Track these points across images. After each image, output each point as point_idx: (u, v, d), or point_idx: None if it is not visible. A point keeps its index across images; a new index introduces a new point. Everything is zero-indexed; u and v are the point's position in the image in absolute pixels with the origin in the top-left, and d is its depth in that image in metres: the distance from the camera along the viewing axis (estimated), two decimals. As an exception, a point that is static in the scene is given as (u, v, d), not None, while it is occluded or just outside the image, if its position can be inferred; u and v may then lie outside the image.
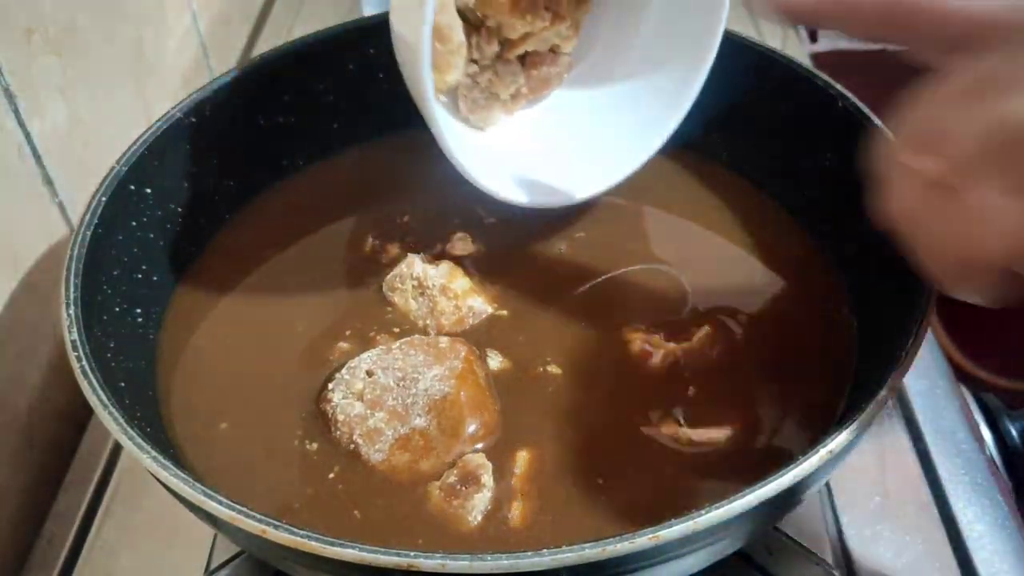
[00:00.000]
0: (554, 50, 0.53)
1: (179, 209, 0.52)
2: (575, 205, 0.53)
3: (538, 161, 0.53)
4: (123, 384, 0.42)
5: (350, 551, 0.31)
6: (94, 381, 0.38)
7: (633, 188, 0.55)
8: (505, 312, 0.49)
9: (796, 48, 0.89)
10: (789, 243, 0.52)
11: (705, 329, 0.47)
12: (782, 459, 0.34)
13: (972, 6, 0.32)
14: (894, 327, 0.40)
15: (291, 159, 0.59)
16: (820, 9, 0.37)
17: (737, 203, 0.55)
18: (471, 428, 0.42)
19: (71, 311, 0.41)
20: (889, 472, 0.49)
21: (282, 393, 0.45)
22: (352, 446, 0.42)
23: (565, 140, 0.54)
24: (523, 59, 0.52)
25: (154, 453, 0.36)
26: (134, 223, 0.48)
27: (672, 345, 0.46)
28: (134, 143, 0.49)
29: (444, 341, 0.46)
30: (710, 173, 0.57)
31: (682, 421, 0.43)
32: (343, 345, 0.47)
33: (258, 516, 0.33)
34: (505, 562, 0.31)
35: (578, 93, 0.55)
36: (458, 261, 0.51)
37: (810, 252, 0.51)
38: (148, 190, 0.49)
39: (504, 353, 0.46)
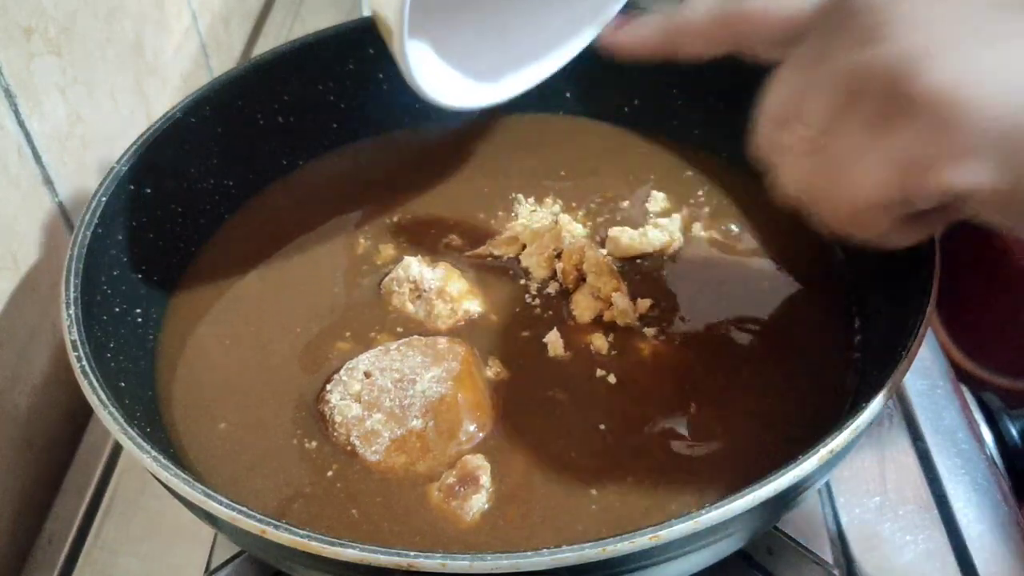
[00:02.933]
0: None
1: (179, 209, 0.52)
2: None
3: (488, 64, 0.52)
4: (123, 384, 0.42)
5: (350, 551, 0.31)
6: (94, 381, 0.38)
7: (633, 188, 0.55)
8: (502, 314, 0.49)
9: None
10: (789, 243, 0.52)
11: (705, 330, 0.47)
12: (782, 459, 0.34)
13: (786, 8, 0.36)
14: (894, 327, 0.40)
15: (291, 158, 0.59)
16: (650, 43, 0.41)
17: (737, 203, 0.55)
18: (468, 430, 0.42)
19: (71, 311, 0.41)
20: (889, 472, 0.49)
21: (281, 393, 0.45)
22: (349, 447, 0.42)
23: (513, 35, 0.53)
24: None
25: (154, 453, 0.36)
26: (134, 223, 0.48)
27: (672, 346, 0.46)
28: (134, 143, 0.49)
29: (443, 342, 0.46)
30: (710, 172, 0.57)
31: (683, 421, 0.43)
32: (342, 345, 0.47)
33: (258, 516, 0.33)
34: (505, 562, 0.31)
35: None
36: (455, 263, 0.51)
37: (810, 252, 0.51)
38: (148, 190, 0.49)
39: (500, 355, 0.46)
